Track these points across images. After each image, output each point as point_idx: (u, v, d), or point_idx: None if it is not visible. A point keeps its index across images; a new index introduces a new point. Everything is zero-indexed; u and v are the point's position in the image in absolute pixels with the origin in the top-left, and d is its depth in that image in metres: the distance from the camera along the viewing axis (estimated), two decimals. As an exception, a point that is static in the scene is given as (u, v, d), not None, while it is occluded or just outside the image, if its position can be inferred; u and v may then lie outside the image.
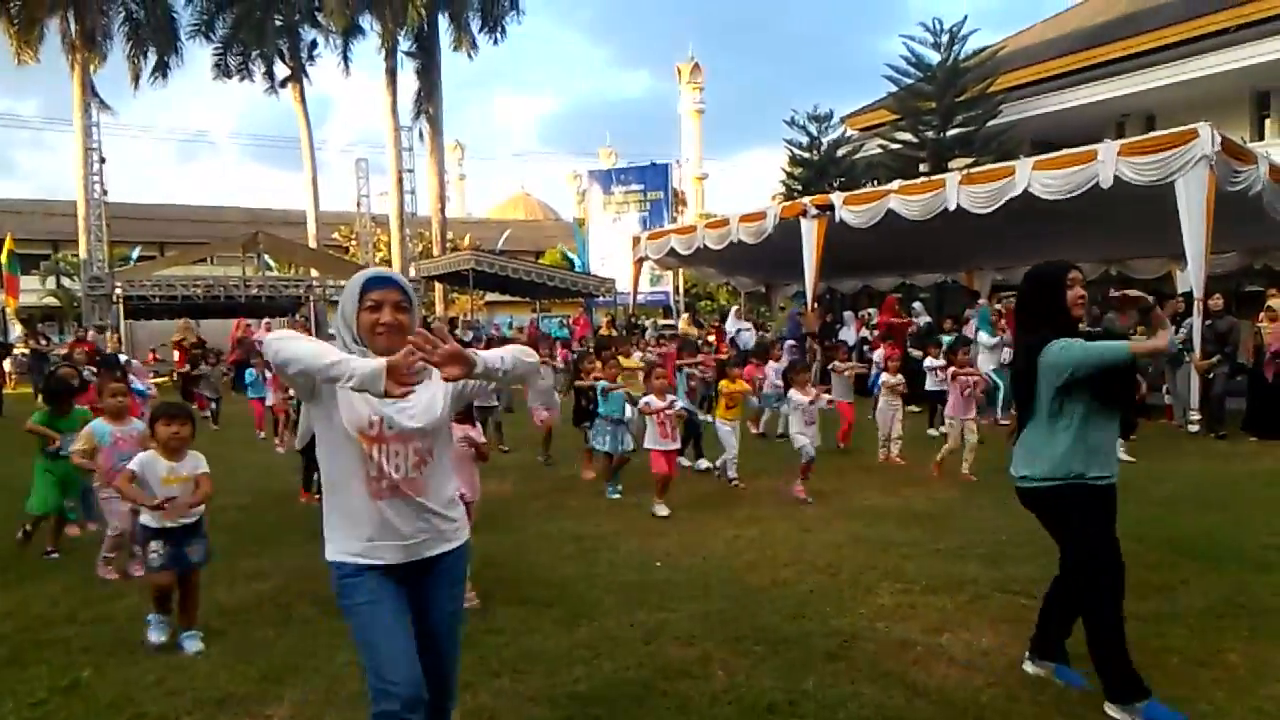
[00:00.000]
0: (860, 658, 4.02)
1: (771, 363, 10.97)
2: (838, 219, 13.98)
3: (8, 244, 26.24)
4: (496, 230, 48.69)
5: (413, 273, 28.89)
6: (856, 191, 14.99)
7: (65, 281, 36.48)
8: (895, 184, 13.92)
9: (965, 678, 3.73)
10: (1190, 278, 11.05)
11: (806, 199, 15.22)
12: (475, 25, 30.88)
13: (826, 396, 7.90)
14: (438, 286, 31.35)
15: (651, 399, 7.25)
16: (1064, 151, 11.72)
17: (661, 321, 25.19)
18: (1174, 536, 5.87)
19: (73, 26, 26.38)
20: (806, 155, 26.71)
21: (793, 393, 7.72)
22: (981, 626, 4.36)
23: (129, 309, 21.62)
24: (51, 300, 36.89)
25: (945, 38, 22.18)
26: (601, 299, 27.18)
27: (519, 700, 3.61)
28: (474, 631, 4.34)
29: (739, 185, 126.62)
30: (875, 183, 18.79)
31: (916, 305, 16.60)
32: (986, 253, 17.16)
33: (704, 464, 9.12)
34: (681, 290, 33.76)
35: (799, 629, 4.39)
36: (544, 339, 16.96)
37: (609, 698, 3.63)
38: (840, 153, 25.99)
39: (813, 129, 26.57)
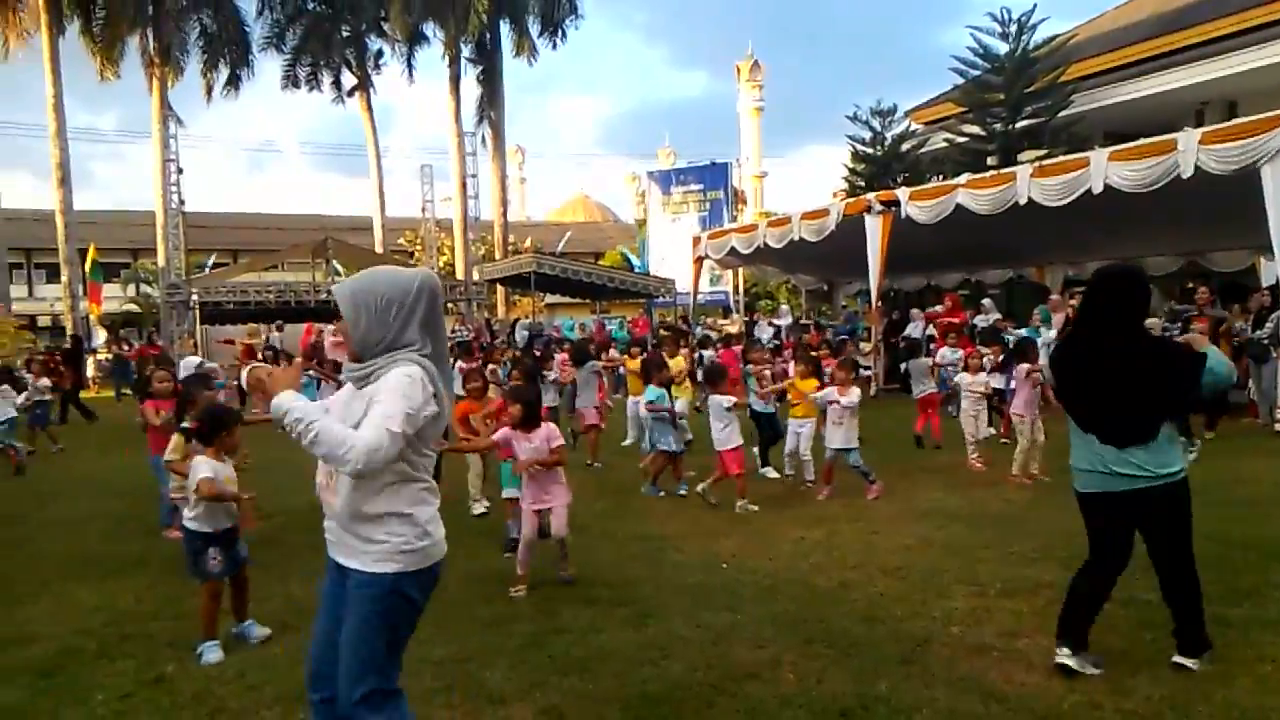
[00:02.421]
0: (934, 662, 3.93)
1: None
2: (903, 215, 13.73)
3: (91, 253, 27.36)
4: (557, 233, 49.09)
5: (476, 276, 29.29)
6: (923, 186, 14.71)
7: (144, 288, 37.92)
8: (963, 178, 13.62)
9: (1045, 685, 3.62)
10: (1278, 269, 10.57)
11: (871, 195, 14.98)
12: (535, 30, 31.18)
13: (846, 399, 7.63)
14: (499, 289, 31.71)
15: (720, 398, 7.26)
16: (1141, 141, 11.31)
17: (722, 322, 25.05)
18: (1261, 539, 5.61)
19: (151, 43, 27.39)
20: (870, 151, 26.28)
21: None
22: (1061, 632, 4.22)
23: (204, 314, 22.32)
24: (132, 306, 38.38)
25: (1014, 27, 21.58)
26: (661, 299, 27.17)
27: (588, 700, 3.62)
28: (542, 631, 4.38)
29: (798, 183, 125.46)
30: (941, 177, 18.42)
31: (986, 301, 16.22)
32: (1058, 247, 16.67)
33: (772, 473, 8.94)
34: (741, 289, 33.57)
35: (869, 632, 4.32)
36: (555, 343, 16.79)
37: (678, 699, 3.62)
38: (904, 147, 25.50)
39: (876, 124, 26.12)
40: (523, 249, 34.48)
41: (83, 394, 16.85)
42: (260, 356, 15.98)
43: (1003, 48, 21.87)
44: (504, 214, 33.45)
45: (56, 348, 25.45)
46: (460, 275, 30.07)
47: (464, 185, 31.50)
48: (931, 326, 15.33)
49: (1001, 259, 18.70)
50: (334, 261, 26.19)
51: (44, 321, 37.75)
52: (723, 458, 7.22)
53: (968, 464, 8.56)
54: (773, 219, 18.37)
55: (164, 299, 23.85)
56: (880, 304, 15.47)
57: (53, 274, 34.38)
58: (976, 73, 22.51)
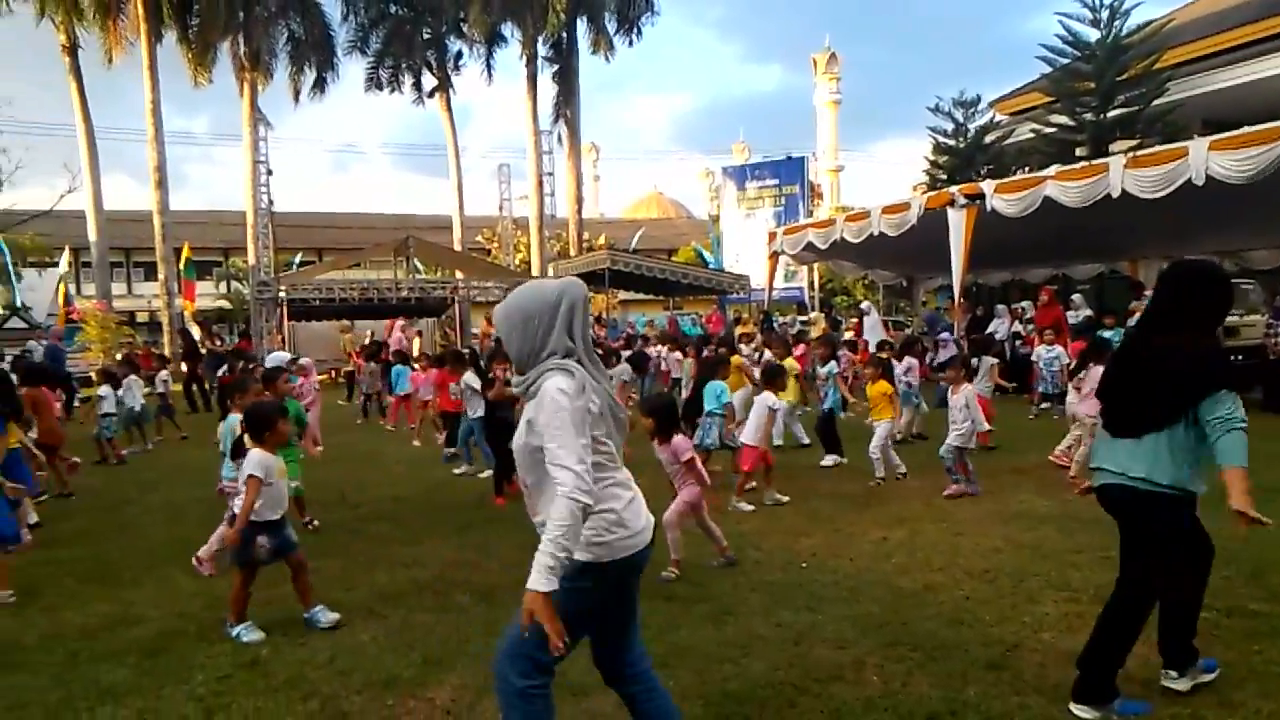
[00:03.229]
0: (1025, 668, 3.81)
1: (909, 359, 10.62)
2: (988, 208, 13.36)
3: (185, 252, 28.55)
4: (630, 229, 49.25)
5: (550, 272, 29.59)
6: (1009, 179, 14.28)
7: (235, 285, 39.41)
8: (1052, 169, 13.17)
9: (1143, 696, 3.47)
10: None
11: (954, 188, 14.61)
12: (612, 28, 31.32)
13: (956, 398, 7.51)
14: (574, 286, 31.92)
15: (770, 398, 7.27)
16: (1244, 130, 10.76)
17: (802, 319, 24.77)
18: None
19: (242, 49, 28.43)
20: (952, 143, 25.68)
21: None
22: (1160, 641, 4.05)
23: (291, 311, 23.06)
24: (223, 303, 39.93)
25: (1105, 13, 20.78)
26: (735, 296, 27.03)
27: (671, 695, 3.60)
28: (622, 625, 4.39)
29: (876, 177, 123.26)
30: (1027, 169, 17.86)
31: (1076, 298, 15.67)
32: (1153, 240, 16.01)
33: (830, 460, 8.93)
34: (816, 285, 33.17)
35: (956, 636, 4.22)
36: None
37: (760, 698, 3.59)
38: (989, 139, 24.82)
39: (959, 115, 25.51)
40: (597, 246, 34.72)
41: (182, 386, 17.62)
42: (363, 349, 16.52)
43: (1094, 34, 21.10)
44: (579, 211, 33.72)
45: (153, 342, 26.72)
46: (536, 272, 30.40)
47: (540, 183, 31.84)
48: (1019, 323, 14.93)
49: (1092, 253, 18.06)
50: (414, 259, 26.77)
51: (142, 318, 39.51)
52: (743, 452, 7.17)
53: (1059, 461, 8.32)
54: (851, 213, 18.08)
55: (254, 296, 24.69)
56: (963, 300, 15.09)
57: (150, 272, 35.98)
58: (1065, 61, 21.79)
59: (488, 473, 8.58)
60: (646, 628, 4.32)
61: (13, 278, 29.00)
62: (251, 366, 12.15)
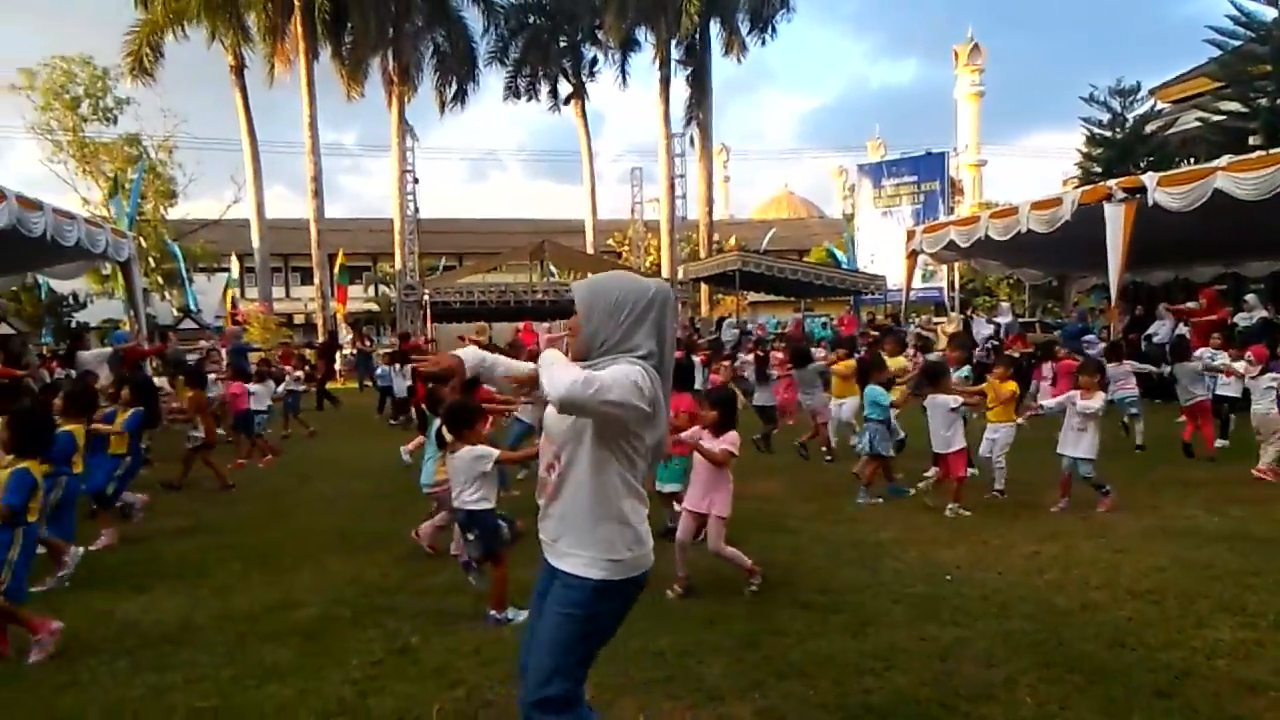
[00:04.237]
0: (1197, 697, 3.54)
1: (1047, 364, 10.08)
2: (1150, 202, 12.49)
3: (340, 258, 30.26)
4: (760, 230, 48.83)
5: (681, 275, 29.70)
6: (1174, 171, 13.31)
7: (383, 289, 41.46)
8: (1223, 160, 12.18)
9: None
10: None
11: (1112, 181, 13.74)
12: (745, 28, 31.16)
13: (1087, 403, 6.99)
14: (703, 287, 31.97)
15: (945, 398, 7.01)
16: None
17: (937, 320, 23.93)
18: None
19: (391, 63, 29.88)
20: (1108, 134, 24.23)
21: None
22: (1357, 677, 3.67)
23: (434, 313, 24.08)
24: (372, 306, 42.08)
25: (1283, -11, 19.15)
26: (869, 296, 26.37)
27: (809, 706, 3.54)
28: (758, 632, 4.34)
29: (1021, 172, 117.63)
30: (1192, 160, 16.64)
31: (1250, 298, 14.46)
32: (1339, 235, 14.57)
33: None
34: (957, 286, 31.93)
35: (1118, 659, 3.95)
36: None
37: (904, 713, 3.47)
38: (1149, 129, 23.30)
39: (1116, 104, 24.05)
40: (727, 247, 34.60)
41: (329, 385, 18.64)
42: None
43: (1270, 13, 19.46)
44: (709, 213, 33.70)
45: (309, 343, 28.43)
46: (666, 274, 30.59)
47: (671, 186, 32.02)
48: (1183, 325, 13.89)
49: (1268, 249, 16.59)
50: (549, 263, 27.46)
51: (299, 319, 42.17)
52: (947, 461, 6.91)
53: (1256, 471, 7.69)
54: (997, 210, 17.29)
55: (400, 299, 25.96)
56: (1120, 301, 14.18)
57: (306, 276, 38.26)
58: (1237, 43, 20.19)
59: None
60: (784, 635, 4.30)
61: (186, 282, 31.47)
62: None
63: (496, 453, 4.84)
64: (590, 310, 2.51)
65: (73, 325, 25.10)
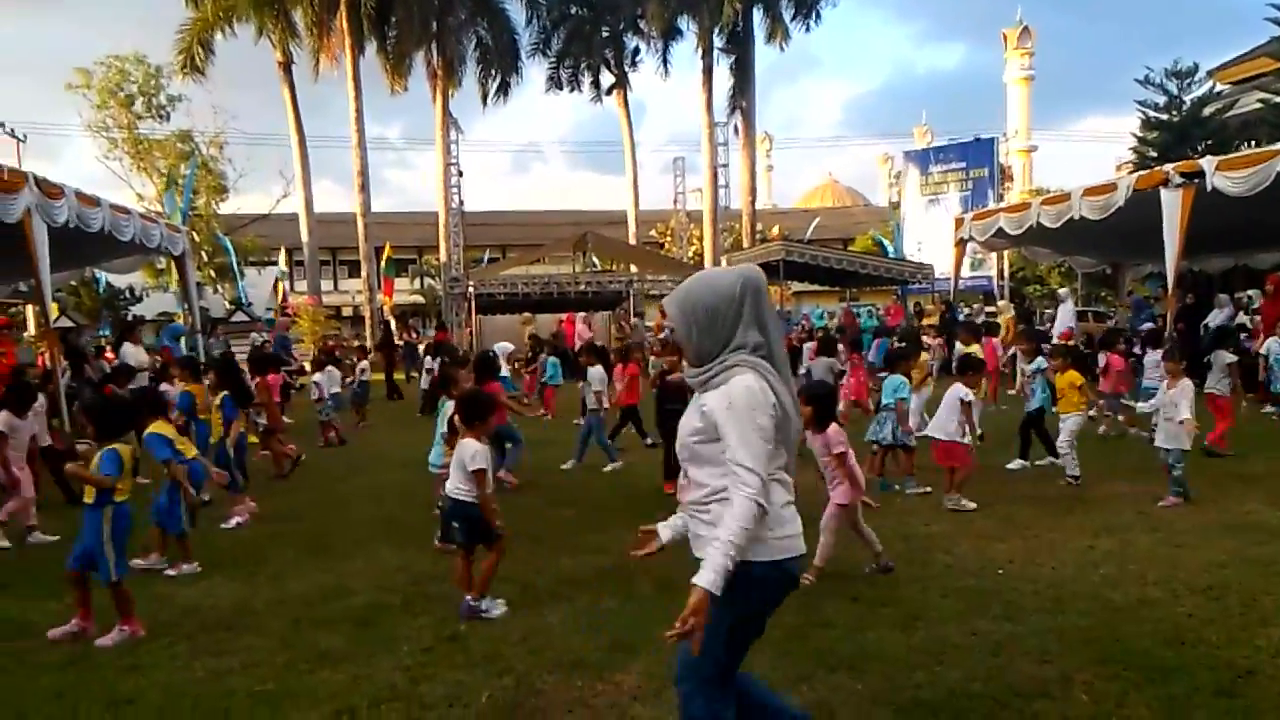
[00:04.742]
0: (1262, 698, 3.45)
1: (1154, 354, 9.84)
2: (1208, 187, 12.11)
3: (387, 251, 30.62)
4: (804, 219, 48.38)
5: (724, 264, 29.55)
6: (1234, 154, 12.88)
7: (428, 281, 41.89)
8: (1286, 142, 11.78)
9: None
10: None
11: (1168, 166, 13.34)
12: (788, 15, 30.82)
13: (1173, 392, 6.87)
14: (747, 278, 31.72)
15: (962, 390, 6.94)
16: None
17: (989, 309, 23.48)
18: None
19: (435, 57, 30.12)
20: (1164, 117, 23.57)
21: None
22: None
23: (479, 305, 24.26)
24: (417, 298, 42.55)
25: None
26: (917, 285, 25.99)
27: (859, 699, 3.52)
28: (805, 625, 4.32)
29: (1072, 157, 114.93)
30: (1253, 143, 16.09)
31: (1221, 297, 14.02)
32: None
33: (1017, 464, 8.45)
34: (1006, 274, 31.34)
35: (1177, 656, 3.86)
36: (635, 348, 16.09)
37: (956, 708, 3.42)
38: (1207, 111, 22.61)
39: (1172, 86, 23.39)
40: (770, 237, 34.38)
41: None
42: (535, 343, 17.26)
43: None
44: (752, 202, 33.48)
45: (356, 335, 28.86)
46: (709, 264, 30.46)
47: (714, 175, 31.86)
48: (1243, 314, 13.50)
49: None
50: (592, 254, 27.51)
51: (346, 312, 42.78)
52: (945, 448, 6.87)
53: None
54: (1048, 196, 16.91)
55: (445, 291, 26.17)
56: (1177, 289, 13.78)
57: (353, 269, 38.82)
58: (1303, 19, 19.46)
59: (609, 466, 9.10)
60: (832, 627, 4.28)
61: (237, 276, 32.10)
62: (459, 356, 12.83)
63: (482, 464, 4.70)
64: (687, 325, 2.55)
65: (129, 318, 25.73)
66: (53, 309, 12.14)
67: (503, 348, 13.48)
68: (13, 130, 30.97)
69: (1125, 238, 15.49)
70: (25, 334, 24.09)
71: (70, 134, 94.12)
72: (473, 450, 4.71)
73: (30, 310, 24.58)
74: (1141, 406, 7.89)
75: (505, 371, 11.60)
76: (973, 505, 6.71)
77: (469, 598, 4.68)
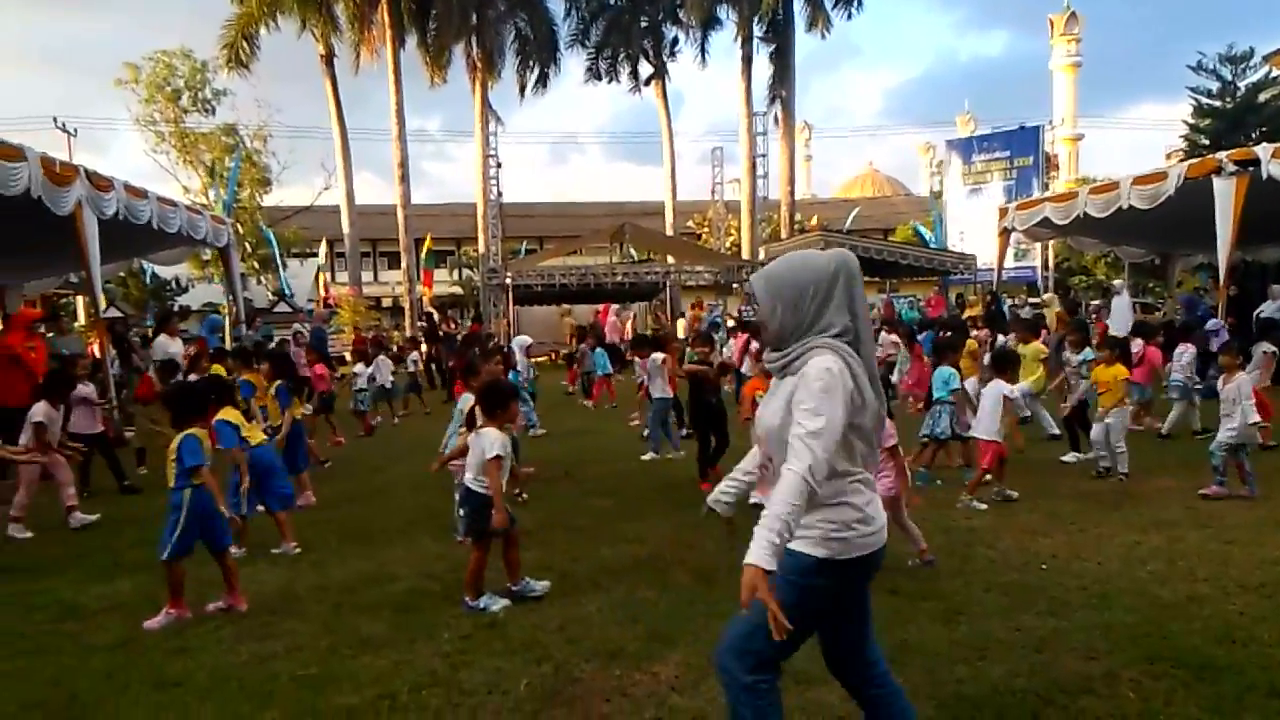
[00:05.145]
0: (1318, 700, 3.34)
1: (1186, 346, 9.61)
2: (1264, 175, 11.76)
3: (428, 243, 30.87)
4: (843, 209, 47.91)
5: (761, 255, 29.36)
6: (1291, 141, 12.49)
7: (466, 273, 42.19)
8: (1346, 128, 11.39)
9: None
10: None
11: (1222, 154, 12.98)
12: (829, 2, 30.48)
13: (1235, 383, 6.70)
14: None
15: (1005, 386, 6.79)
16: None
17: (1033, 301, 23.09)
18: None
19: (474, 50, 30.26)
20: (1218, 104, 22.96)
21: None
22: None
23: (516, 296, 24.39)
24: (456, 289, 42.87)
25: None
26: (959, 276, 25.63)
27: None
28: (845, 616, 4.28)
29: (1121, 146, 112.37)
30: (1312, 129, 15.59)
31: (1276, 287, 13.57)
32: None
33: (1071, 457, 8.29)
34: (1051, 264, 30.76)
35: (1228, 655, 3.76)
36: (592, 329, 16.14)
37: (999, 705, 3.37)
38: (1263, 97, 21.99)
39: (1226, 72, 22.80)
40: (809, 227, 34.07)
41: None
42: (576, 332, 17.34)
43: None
44: (791, 192, 33.21)
45: (396, 326, 29.16)
46: (747, 255, 30.31)
47: (753, 165, 31.62)
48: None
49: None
50: (629, 245, 27.46)
51: (386, 303, 43.24)
52: (980, 446, 6.73)
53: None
54: (1096, 185, 16.53)
55: (484, 282, 26.34)
56: (1229, 280, 13.41)
57: (393, 261, 39.14)
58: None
59: (672, 455, 8.97)
60: (872, 621, 4.21)
61: (280, 267, 32.59)
62: (490, 345, 12.95)
63: (497, 452, 4.67)
64: (773, 303, 2.47)
65: (175, 309, 26.26)
66: (102, 299, 12.38)
67: (520, 342, 13.56)
68: (63, 125, 31.71)
69: (1175, 227, 15.12)
70: (75, 324, 24.72)
71: (118, 128, 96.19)
72: (491, 438, 4.71)
73: (80, 300, 25.15)
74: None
75: (521, 365, 11.65)
76: (984, 506, 6.54)
77: (466, 598, 4.70)
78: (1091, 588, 4.68)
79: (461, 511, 4.98)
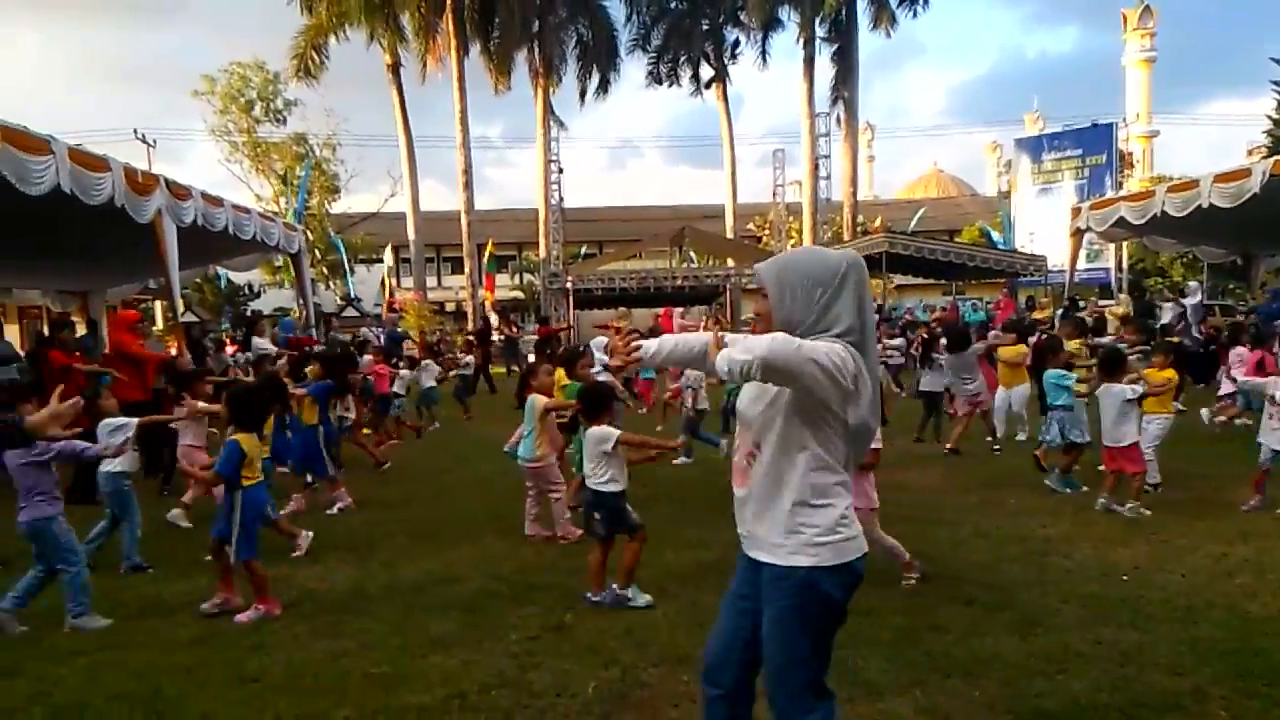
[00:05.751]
0: None
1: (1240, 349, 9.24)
2: (1355, 171, 11.25)
3: (489, 248, 31.29)
4: (907, 211, 47.15)
5: (824, 257, 29.01)
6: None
7: (528, 277, 42.62)
8: None
9: None
10: None
11: (1308, 149, 12.45)
12: (894, 0, 30.07)
13: None
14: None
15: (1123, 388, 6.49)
16: None
17: (1104, 303, 22.38)
18: None
19: (537, 57, 30.58)
20: (1301, 97, 21.97)
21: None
22: None
23: (577, 300, 24.55)
24: (517, 294, 43.34)
25: None
26: (1028, 278, 24.99)
27: (976, 705, 3.40)
28: (917, 627, 4.20)
29: (1198, 142, 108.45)
30: None
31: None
32: None
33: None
34: (1125, 266, 29.79)
35: (1325, 675, 3.58)
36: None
37: (1080, 719, 3.26)
38: (1352, 90, 20.97)
39: (1311, 64, 21.77)
40: (872, 229, 33.59)
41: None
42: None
43: None
44: (853, 194, 32.81)
45: (460, 329, 29.56)
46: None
47: (815, 167, 31.35)
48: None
49: None
50: (689, 249, 27.46)
51: (449, 307, 43.91)
52: (1115, 454, 6.46)
53: None
54: (1174, 183, 15.97)
55: (545, 287, 26.59)
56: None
57: (456, 266, 39.78)
58: None
59: (679, 460, 9.01)
60: (945, 631, 4.14)
61: (347, 273, 33.36)
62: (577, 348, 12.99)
63: (617, 434, 4.81)
64: (782, 293, 2.39)
65: (248, 313, 27.07)
66: (180, 304, 12.81)
67: (598, 342, 13.53)
68: (144, 136, 32.94)
69: (1258, 226, 14.57)
70: (154, 328, 25.65)
71: (193, 139, 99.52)
72: (600, 435, 4.78)
73: (159, 305, 26.08)
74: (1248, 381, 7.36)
75: (599, 364, 11.56)
76: (1148, 511, 6.27)
77: (614, 586, 4.72)
78: (1176, 600, 4.51)
79: (596, 515, 5.00)
